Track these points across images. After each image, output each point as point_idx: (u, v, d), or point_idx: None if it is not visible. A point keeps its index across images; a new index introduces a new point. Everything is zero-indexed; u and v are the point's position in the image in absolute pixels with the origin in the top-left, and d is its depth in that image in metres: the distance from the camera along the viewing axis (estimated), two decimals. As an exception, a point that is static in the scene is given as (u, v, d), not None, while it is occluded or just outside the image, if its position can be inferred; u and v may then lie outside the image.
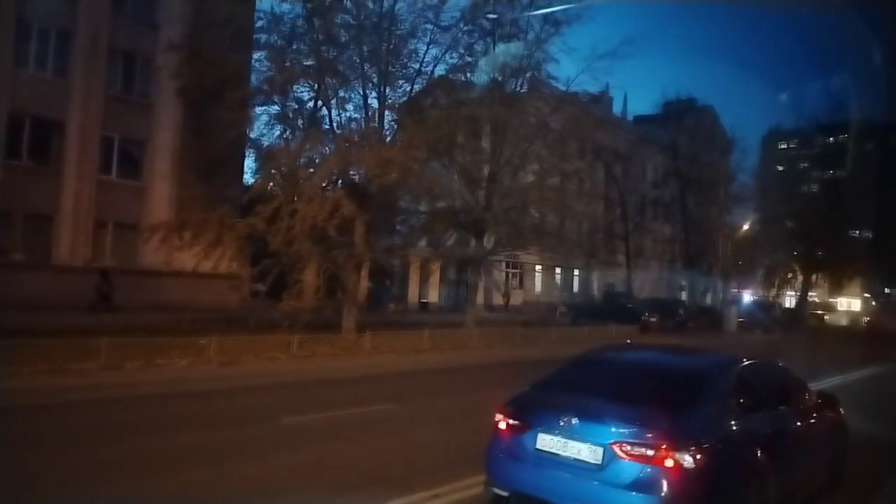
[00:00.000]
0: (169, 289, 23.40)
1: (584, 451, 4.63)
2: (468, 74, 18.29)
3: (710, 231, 43.16)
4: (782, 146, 70.71)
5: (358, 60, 16.86)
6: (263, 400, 10.41)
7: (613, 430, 4.57)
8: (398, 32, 16.90)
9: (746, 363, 5.76)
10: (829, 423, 6.45)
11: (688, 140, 45.80)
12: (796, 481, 5.57)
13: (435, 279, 36.55)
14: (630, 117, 54.66)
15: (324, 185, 15.73)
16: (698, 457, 4.38)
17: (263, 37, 17.59)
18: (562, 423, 4.76)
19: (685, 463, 4.34)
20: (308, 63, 16.39)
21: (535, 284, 43.69)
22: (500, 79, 19.54)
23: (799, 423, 5.80)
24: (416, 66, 17.35)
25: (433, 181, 17.46)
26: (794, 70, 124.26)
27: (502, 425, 5.18)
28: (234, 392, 10.97)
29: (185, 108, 22.80)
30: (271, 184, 16.57)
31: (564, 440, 4.74)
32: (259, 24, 17.98)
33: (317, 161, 16.22)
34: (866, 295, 63.49)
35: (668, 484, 4.33)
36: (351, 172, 16.48)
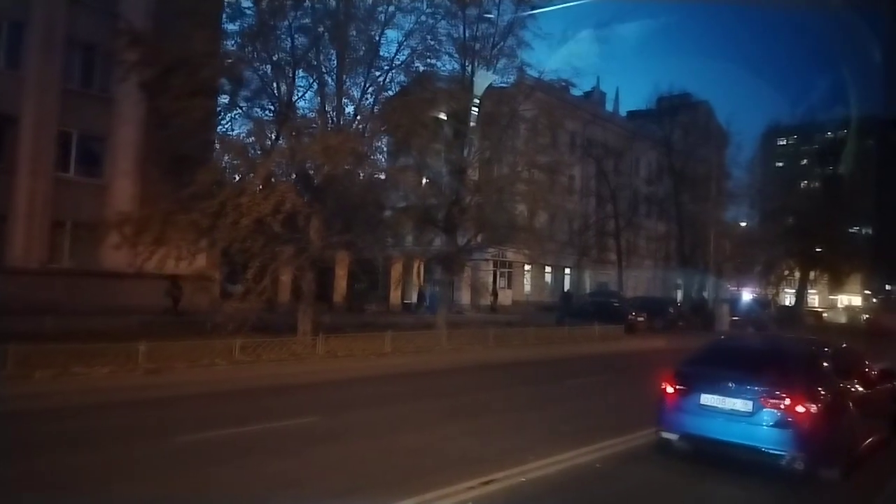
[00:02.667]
0: (133, 292, 22.24)
1: (738, 404, 6.85)
2: (433, 60, 17.20)
3: (704, 228, 42.03)
4: (781, 143, 69.71)
5: (312, 44, 15.77)
6: (175, 413, 9.31)
7: (759, 389, 6.81)
8: (355, 13, 15.77)
9: (834, 346, 8.38)
10: (890, 389, 8.43)
11: (682, 135, 44.64)
12: (871, 430, 7.69)
13: (420, 279, 35.46)
14: (623, 113, 53.56)
15: (272, 177, 14.61)
16: (819, 405, 6.64)
17: (230, 26, 16.61)
18: (720, 386, 7.00)
19: (811, 409, 6.56)
20: (257, 46, 15.28)
21: (524, 284, 42.57)
22: (468, 65, 18.45)
23: (870, 388, 7.87)
24: (374, 48, 16.19)
25: (394, 174, 16.36)
26: (794, 67, 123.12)
27: (669, 390, 7.45)
28: (148, 403, 9.89)
29: (149, 101, 21.77)
30: (223, 175, 15.41)
31: (722, 397, 6.95)
32: (226, 13, 17.05)
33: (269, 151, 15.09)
34: (866, 292, 62.31)
35: (800, 423, 6.53)
36: (306, 164, 15.36)
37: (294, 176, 15.66)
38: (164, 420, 8.73)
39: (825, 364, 7.55)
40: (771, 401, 6.66)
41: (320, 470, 6.70)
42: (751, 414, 6.73)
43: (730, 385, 6.94)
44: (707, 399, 7.03)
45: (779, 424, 6.58)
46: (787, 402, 6.59)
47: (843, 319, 48.02)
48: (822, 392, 6.86)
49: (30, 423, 8.32)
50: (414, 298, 34.40)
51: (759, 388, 6.79)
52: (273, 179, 14.39)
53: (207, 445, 7.39)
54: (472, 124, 18.43)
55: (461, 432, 8.58)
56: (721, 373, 7.20)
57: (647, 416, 9.70)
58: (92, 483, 6.03)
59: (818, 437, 6.56)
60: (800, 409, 6.53)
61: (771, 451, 6.62)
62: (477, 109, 18.18)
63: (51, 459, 6.69)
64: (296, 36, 16.07)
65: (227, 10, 17.35)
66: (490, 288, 37.91)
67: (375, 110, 16.29)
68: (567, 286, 45.33)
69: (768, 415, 6.65)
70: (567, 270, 45.78)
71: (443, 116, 18.00)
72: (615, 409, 10.64)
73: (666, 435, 7.45)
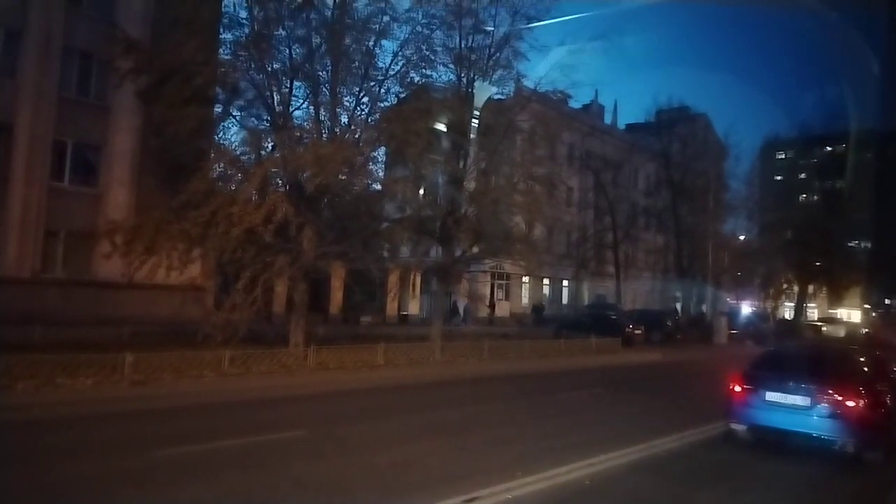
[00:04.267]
0: (127, 302, 22.05)
1: (798, 400, 8.36)
2: (428, 71, 17.11)
3: (703, 240, 41.94)
4: (780, 156, 69.62)
5: (308, 54, 15.72)
6: (157, 426, 9.11)
7: (815, 387, 8.32)
8: (351, 23, 15.71)
9: (871, 353, 10.46)
10: None
11: (681, 148, 44.61)
12: None
13: (416, 290, 35.32)
14: (622, 125, 53.62)
15: (266, 186, 14.47)
16: (866, 400, 8.12)
17: (226, 36, 16.59)
18: (783, 385, 8.53)
19: (859, 404, 8.04)
20: (253, 55, 15.21)
21: (521, 296, 42.37)
22: (464, 76, 18.35)
23: None
24: (370, 58, 16.13)
25: (389, 184, 16.25)
26: (792, 80, 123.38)
27: (737, 389, 9.00)
28: (130, 416, 9.71)
29: (145, 109, 21.68)
30: (215, 184, 15.28)
31: (785, 394, 8.47)
32: (223, 22, 17.04)
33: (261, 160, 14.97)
34: (866, 306, 62.03)
35: (849, 415, 8.00)
36: (299, 173, 15.22)
37: (287, 185, 15.51)
38: (144, 433, 8.53)
39: (865, 368, 9.27)
40: (825, 397, 8.18)
41: (298, 486, 6.51)
42: (809, 408, 8.24)
43: (790, 384, 8.47)
44: (771, 396, 8.57)
45: (832, 416, 8.07)
46: (839, 398, 8.09)
47: (841, 333, 47.75)
48: (866, 390, 8.31)
49: (4, 435, 8.12)
50: (409, 310, 34.25)
51: (815, 387, 8.30)
52: (269, 188, 14.24)
53: (184, 460, 7.19)
54: (470, 136, 18.32)
55: (449, 447, 8.40)
56: (782, 374, 8.82)
57: (639, 430, 9.59)
58: (53, 500, 5.85)
59: (865, 426, 7.99)
60: (850, 403, 8.03)
61: (825, 438, 8.10)
62: (474, 120, 18.06)
63: (16, 474, 6.47)
64: (293, 47, 16.04)
65: (224, 19, 17.39)
66: (487, 300, 37.74)
67: (370, 120, 16.20)
68: (566, 298, 45.18)
69: (823, 408, 8.16)
70: (565, 282, 45.62)
71: (439, 127, 17.89)
72: (607, 424, 10.48)
73: (735, 426, 9.04)
